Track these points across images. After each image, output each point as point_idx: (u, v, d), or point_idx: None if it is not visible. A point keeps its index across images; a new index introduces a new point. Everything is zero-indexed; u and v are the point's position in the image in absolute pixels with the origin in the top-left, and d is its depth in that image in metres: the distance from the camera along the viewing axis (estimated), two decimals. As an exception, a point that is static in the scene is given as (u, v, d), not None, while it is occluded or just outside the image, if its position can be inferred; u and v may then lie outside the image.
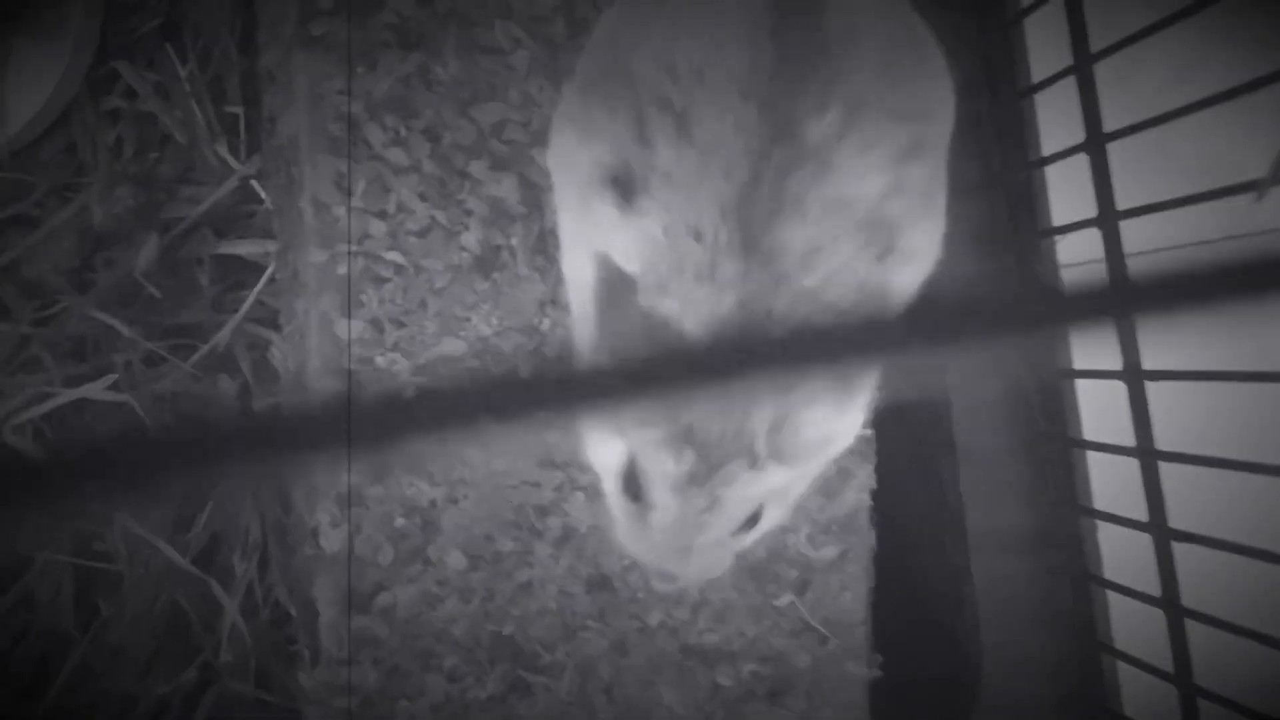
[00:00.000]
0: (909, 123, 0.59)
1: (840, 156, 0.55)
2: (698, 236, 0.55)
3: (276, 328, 0.84)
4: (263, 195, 0.89)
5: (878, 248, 0.58)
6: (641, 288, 0.56)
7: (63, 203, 0.91)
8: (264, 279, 0.88)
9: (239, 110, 0.91)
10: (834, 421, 0.56)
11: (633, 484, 0.58)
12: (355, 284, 0.70)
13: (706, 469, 0.55)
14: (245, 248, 0.91)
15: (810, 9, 0.57)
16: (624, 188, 0.57)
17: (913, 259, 0.61)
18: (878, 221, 0.57)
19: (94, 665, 0.83)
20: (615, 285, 0.57)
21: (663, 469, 0.55)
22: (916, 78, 0.62)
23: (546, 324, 0.75)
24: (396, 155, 0.71)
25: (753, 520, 0.57)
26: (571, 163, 0.62)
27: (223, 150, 0.91)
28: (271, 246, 0.88)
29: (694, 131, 0.55)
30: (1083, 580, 0.85)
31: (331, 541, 0.71)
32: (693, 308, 0.55)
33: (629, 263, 0.57)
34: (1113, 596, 0.84)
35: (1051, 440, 0.85)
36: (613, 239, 0.58)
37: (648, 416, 0.54)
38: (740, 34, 0.56)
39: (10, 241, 0.89)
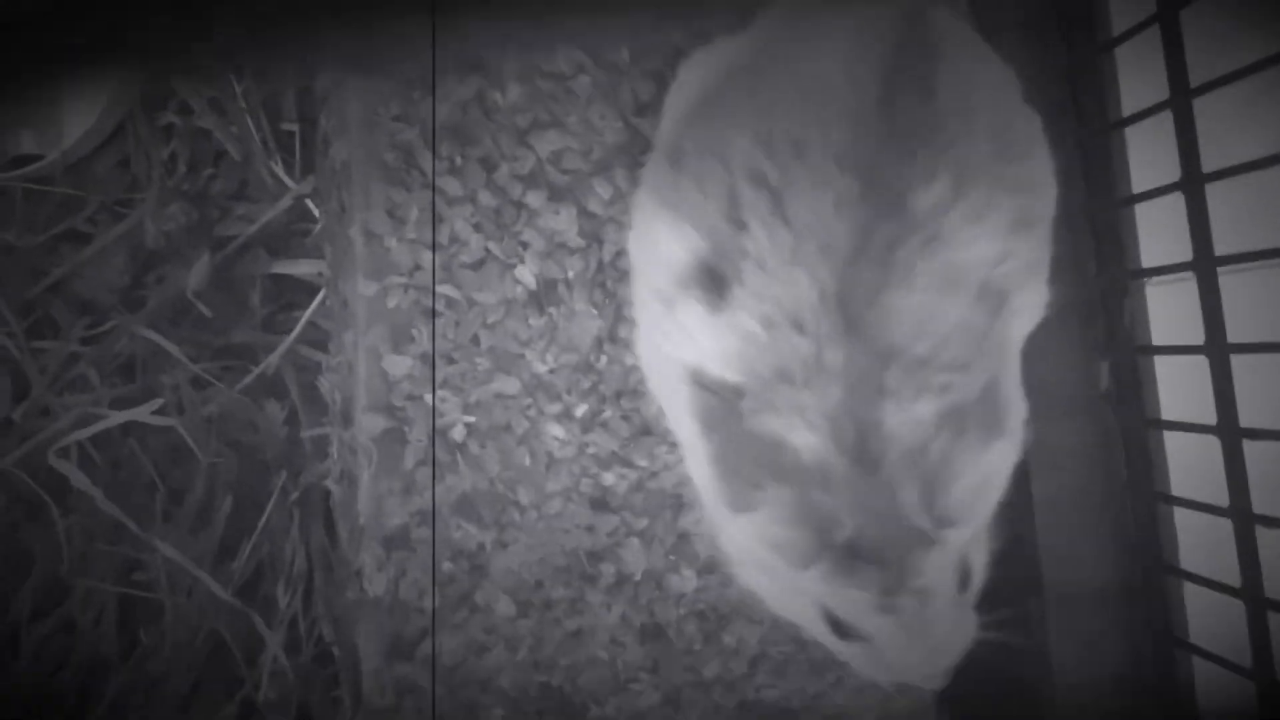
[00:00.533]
0: (1017, 195, 0.56)
1: (949, 226, 0.53)
2: (799, 327, 0.52)
3: (326, 351, 0.82)
4: (316, 213, 0.87)
5: (988, 308, 0.55)
6: (747, 399, 0.53)
7: (115, 219, 0.89)
8: (316, 301, 0.86)
9: (294, 128, 0.89)
10: (980, 464, 0.51)
11: (839, 626, 0.54)
12: (406, 317, 0.67)
13: (892, 574, 0.51)
14: (299, 268, 0.89)
15: (923, 83, 0.54)
16: (715, 277, 0.54)
17: (1022, 313, 0.58)
18: (987, 286, 0.54)
19: (134, 695, 0.80)
20: (718, 402, 0.54)
21: (853, 599, 0.52)
22: (1024, 154, 0.59)
23: (604, 361, 0.72)
24: (451, 184, 0.68)
25: (965, 579, 0.53)
26: (657, 245, 0.58)
27: (277, 168, 0.89)
28: (324, 268, 0.86)
29: (789, 210, 0.52)
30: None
31: (375, 585, 0.68)
32: (800, 413, 0.51)
33: (727, 371, 0.54)
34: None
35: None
36: (704, 343, 0.55)
37: (803, 557, 0.51)
38: (845, 108, 0.53)
39: (62, 257, 0.88)
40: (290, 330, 0.87)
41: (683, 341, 0.56)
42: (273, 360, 0.84)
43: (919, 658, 0.53)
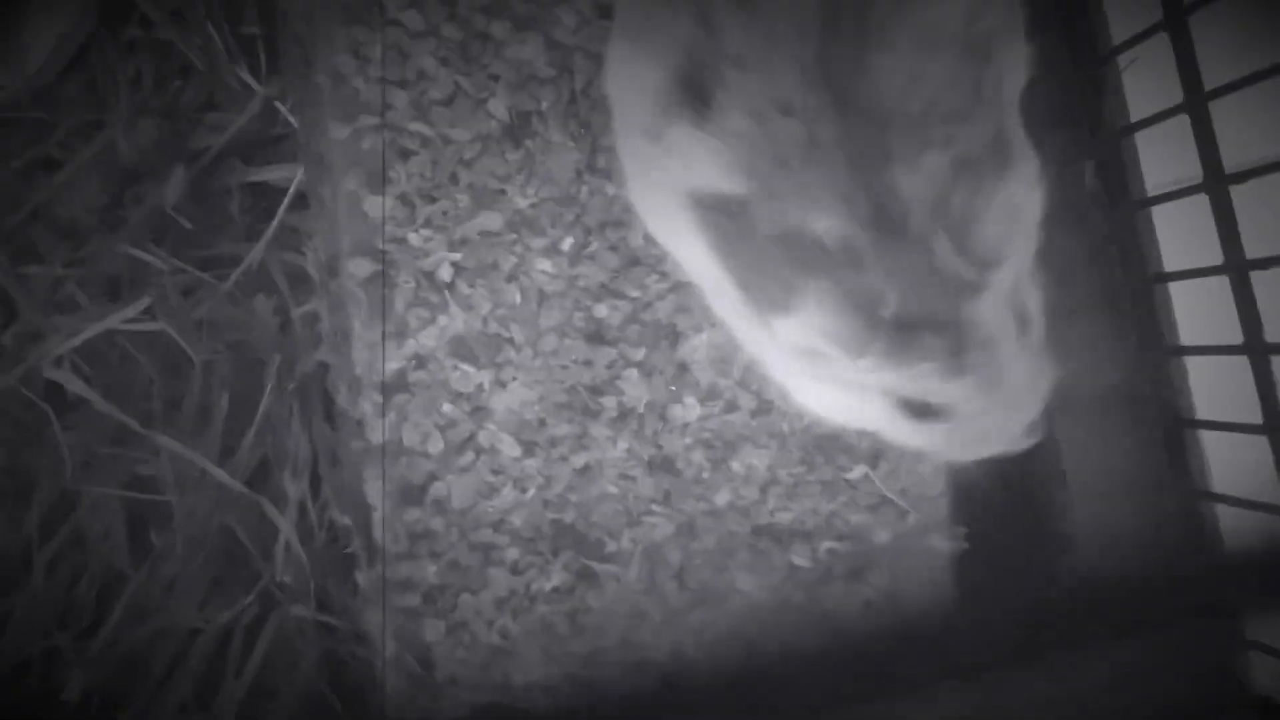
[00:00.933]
0: None
1: None
2: (786, 110, 0.51)
3: (309, 237, 0.82)
4: (291, 119, 0.87)
5: (974, 62, 0.54)
6: (753, 204, 0.52)
7: (86, 141, 0.88)
8: (289, 196, 0.85)
9: (257, 31, 0.89)
10: (1003, 198, 0.51)
11: (916, 408, 0.53)
12: (379, 158, 0.67)
13: (950, 334, 0.50)
14: (273, 173, 0.89)
15: None
16: (697, 88, 0.53)
17: (1011, 70, 0.57)
18: (970, 42, 0.53)
19: (151, 599, 0.80)
20: (724, 218, 0.53)
21: (921, 373, 0.51)
22: None
23: (585, 192, 0.71)
24: (413, 19, 0.68)
25: (1023, 322, 0.53)
26: (636, 77, 0.58)
27: (244, 73, 0.88)
28: (300, 173, 0.85)
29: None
30: (1177, 431, 0.80)
31: (378, 432, 0.68)
32: (810, 197, 0.51)
33: (727, 181, 0.53)
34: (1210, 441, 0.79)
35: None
36: (698, 160, 0.54)
37: (857, 346, 0.50)
38: None
39: (37, 184, 0.87)
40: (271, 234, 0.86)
41: (675, 167, 0.56)
42: (256, 254, 0.84)
43: (1002, 417, 0.52)
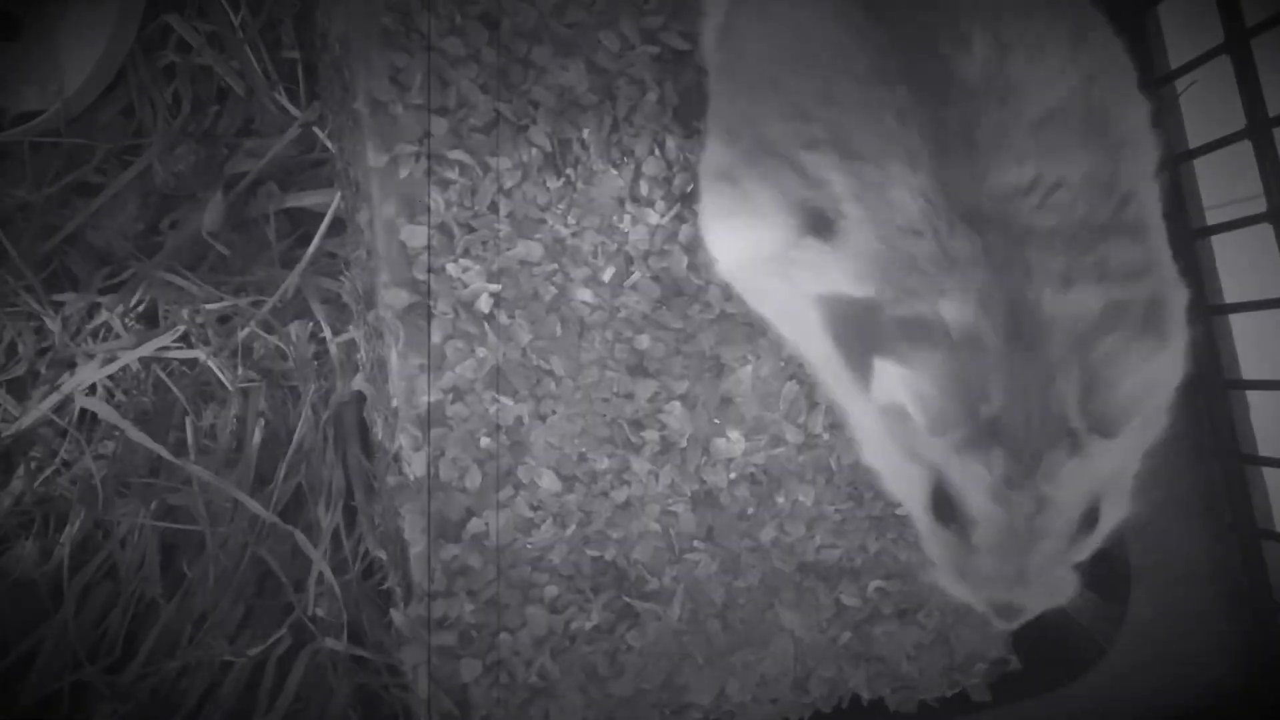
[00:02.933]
0: (1057, 13, 0.53)
1: (1015, 71, 0.50)
2: (917, 233, 0.50)
3: (346, 265, 0.81)
4: (329, 145, 0.86)
5: (1105, 136, 0.52)
6: (882, 303, 0.51)
7: (123, 166, 0.88)
8: (326, 222, 0.84)
9: (296, 55, 0.88)
10: (1150, 361, 0.48)
11: (944, 506, 0.50)
12: (419, 187, 0.65)
13: (1023, 467, 0.47)
14: (311, 199, 0.88)
15: None
16: (818, 219, 0.53)
17: (1132, 141, 0.55)
18: (1097, 113, 0.52)
19: (182, 631, 0.79)
20: (853, 313, 0.52)
21: (974, 477, 0.48)
22: None
23: (627, 221, 0.70)
24: (453, 45, 0.67)
25: (1090, 519, 0.49)
26: (752, 248, 0.58)
27: (282, 98, 0.88)
28: (337, 198, 0.84)
29: (856, 147, 0.51)
30: (1235, 463, 0.77)
31: (415, 466, 0.66)
32: (942, 293, 0.49)
33: (859, 288, 0.52)
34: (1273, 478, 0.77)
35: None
36: (830, 274, 0.53)
37: (943, 422, 0.48)
38: (840, 40, 0.52)
39: (74, 209, 0.87)
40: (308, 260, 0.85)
41: (803, 278, 0.55)
42: (291, 281, 0.83)
43: (1007, 575, 0.49)
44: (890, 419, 0.51)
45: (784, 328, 0.64)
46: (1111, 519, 0.51)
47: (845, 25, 0.52)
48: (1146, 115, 0.57)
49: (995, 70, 0.50)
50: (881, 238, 0.50)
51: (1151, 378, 0.48)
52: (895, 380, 0.48)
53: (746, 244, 0.57)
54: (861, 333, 0.52)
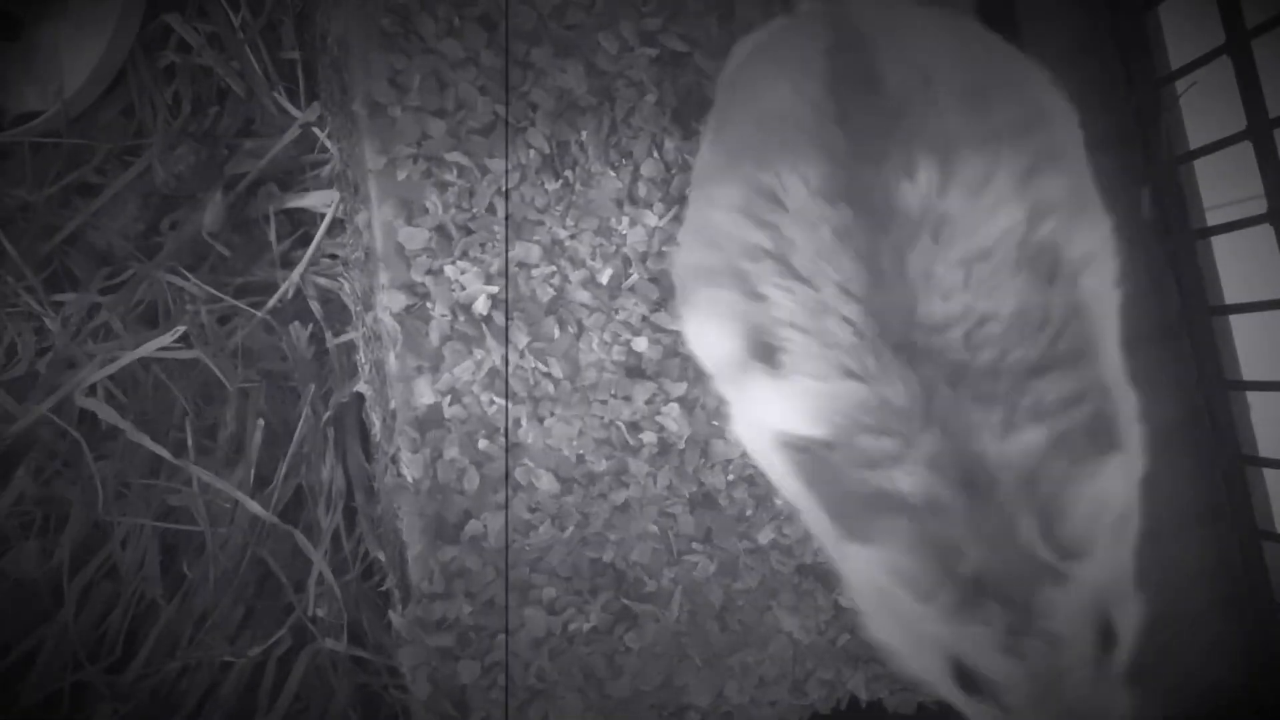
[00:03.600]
0: (1023, 139, 0.52)
1: (952, 210, 0.50)
2: (850, 374, 0.50)
3: (346, 266, 0.81)
4: (329, 145, 0.86)
5: (1043, 273, 0.51)
6: (838, 447, 0.51)
7: (123, 166, 0.88)
8: (325, 222, 0.84)
9: (296, 56, 0.88)
10: (1098, 477, 0.47)
11: (967, 678, 0.49)
12: (417, 189, 0.65)
13: (1019, 612, 0.46)
14: (310, 200, 0.88)
15: (868, 76, 0.52)
16: (764, 349, 0.53)
17: (1090, 263, 0.54)
18: (1035, 250, 0.51)
19: (183, 631, 0.79)
20: (810, 458, 0.52)
21: (978, 638, 0.47)
22: (1013, 96, 0.55)
23: (625, 223, 0.70)
24: (451, 48, 0.67)
25: (1108, 637, 0.48)
26: (712, 342, 0.58)
27: (282, 99, 0.87)
28: (337, 199, 0.84)
29: (797, 265, 0.51)
30: (1235, 465, 0.77)
31: (413, 468, 0.66)
32: (892, 461, 0.49)
33: (811, 427, 0.52)
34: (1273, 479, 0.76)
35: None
36: (778, 407, 0.53)
37: (926, 589, 0.48)
38: (805, 136, 0.51)
39: (75, 209, 0.87)
40: (308, 261, 0.85)
41: (759, 411, 0.55)
42: (292, 280, 0.83)
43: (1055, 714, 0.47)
44: (878, 595, 0.51)
45: (759, 459, 0.64)
46: (1129, 624, 0.50)
47: (815, 120, 0.51)
48: (1108, 232, 0.56)
49: (934, 202, 0.49)
50: (821, 375, 0.50)
51: (1102, 493, 0.47)
52: (868, 563, 0.48)
53: (714, 349, 0.58)
54: (826, 478, 0.52)
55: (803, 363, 0.51)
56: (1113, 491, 0.48)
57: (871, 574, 0.49)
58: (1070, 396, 0.49)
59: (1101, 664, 0.48)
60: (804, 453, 0.52)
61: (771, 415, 0.54)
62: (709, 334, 0.57)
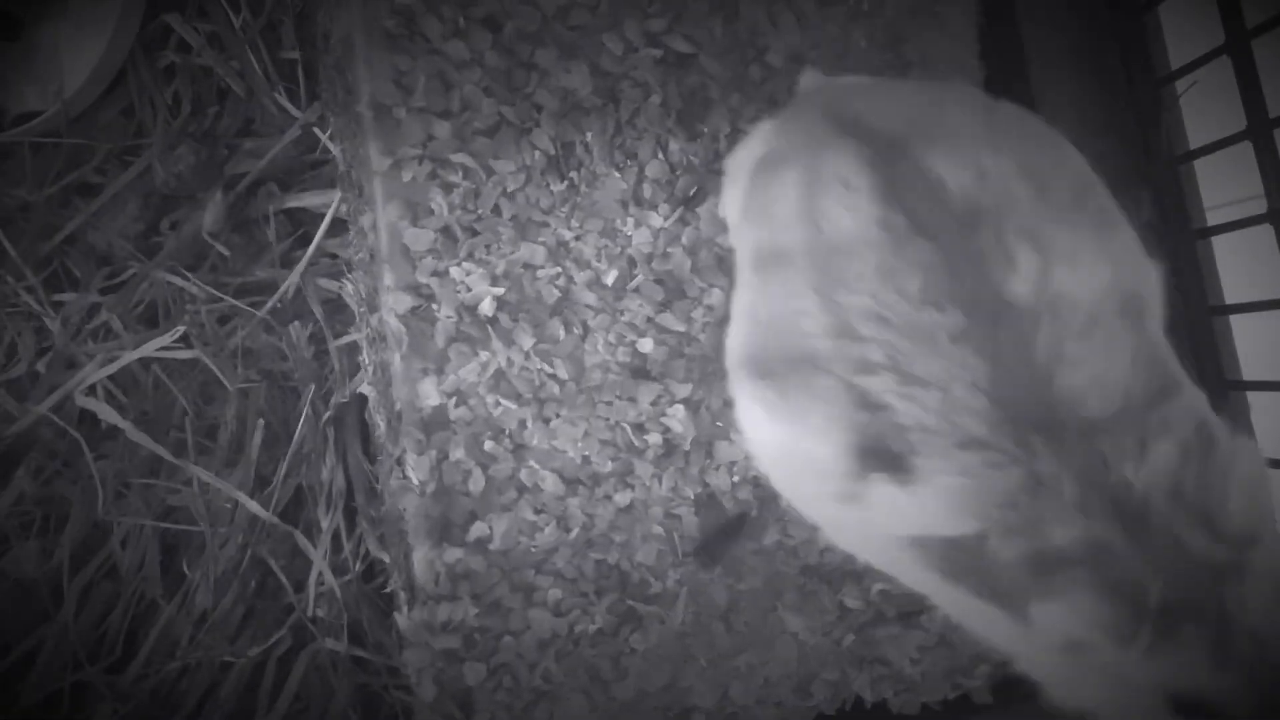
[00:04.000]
0: (1083, 202, 0.54)
1: (1062, 285, 0.51)
2: (992, 462, 0.49)
3: (348, 267, 0.80)
4: (330, 146, 0.86)
5: (1133, 316, 0.52)
6: (990, 536, 0.50)
7: (123, 166, 0.88)
8: (326, 222, 0.84)
9: (296, 56, 0.87)
10: (1239, 462, 0.49)
11: (1190, 708, 0.48)
12: (422, 190, 0.65)
13: (1216, 623, 0.46)
14: (311, 200, 0.88)
15: (929, 184, 0.52)
16: (886, 456, 0.51)
17: (1151, 303, 0.55)
18: (1125, 298, 0.52)
19: (183, 632, 0.79)
20: (959, 553, 0.52)
21: (1184, 662, 0.47)
22: (1054, 164, 0.56)
23: (630, 224, 0.70)
24: (456, 48, 0.66)
25: None
26: (800, 460, 0.56)
27: (282, 99, 0.87)
28: (338, 198, 0.84)
29: (917, 372, 0.50)
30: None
31: (419, 470, 0.66)
32: (1043, 518, 0.49)
33: (955, 525, 0.51)
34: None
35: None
36: (913, 514, 0.52)
37: (1124, 633, 0.47)
38: (886, 255, 0.51)
39: (74, 209, 0.86)
40: (307, 260, 0.85)
41: (881, 520, 0.54)
42: (293, 280, 0.82)
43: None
44: (1073, 653, 0.49)
45: (871, 558, 0.63)
46: None
47: (890, 239, 0.52)
48: (1160, 277, 0.57)
49: (1044, 284, 0.50)
50: (962, 470, 0.49)
51: (1248, 472, 0.48)
52: (1056, 617, 0.48)
53: (797, 458, 0.56)
54: (978, 567, 0.51)
55: (937, 460, 0.50)
56: (1258, 468, 0.49)
57: (1064, 631, 0.48)
58: (1181, 409, 0.50)
59: None
60: (950, 550, 0.52)
61: (902, 523, 0.53)
62: (798, 436, 0.55)
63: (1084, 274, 0.51)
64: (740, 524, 0.68)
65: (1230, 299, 0.78)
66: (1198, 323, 0.79)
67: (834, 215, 0.53)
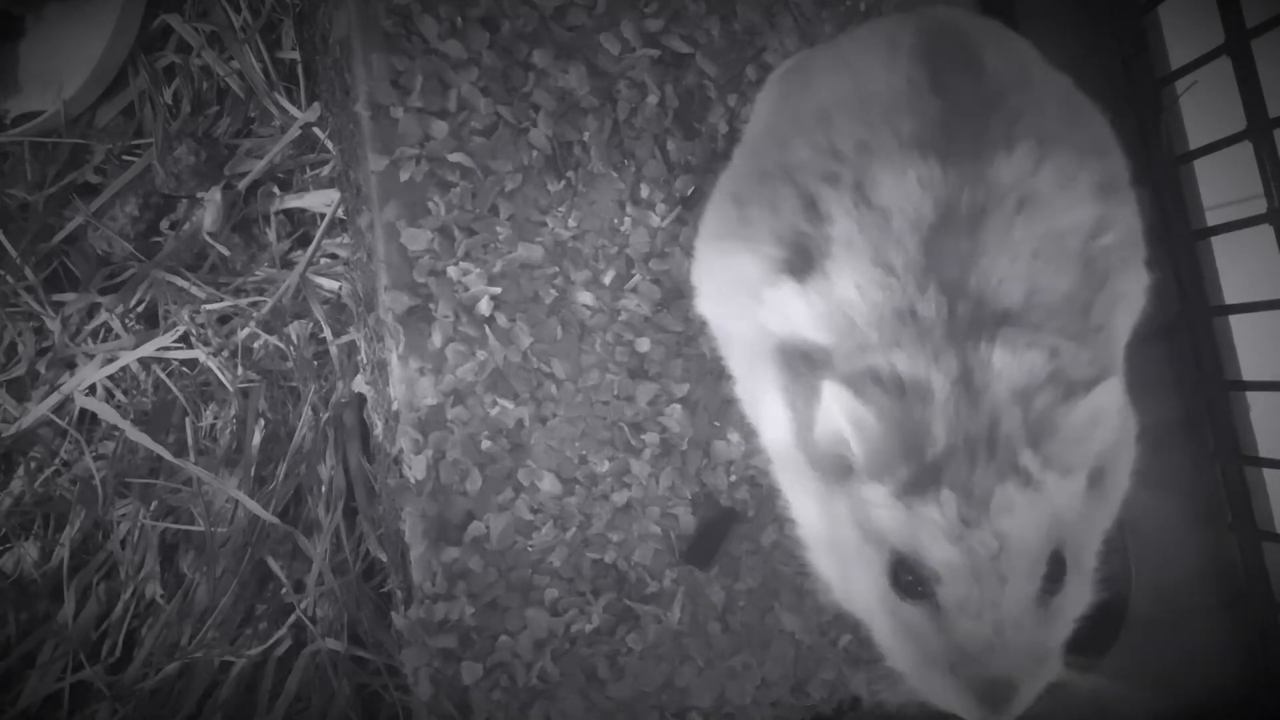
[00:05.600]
0: (1099, 159, 0.55)
1: (1041, 189, 0.51)
2: (887, 286, 0.50)
3: (347, 267, 0.81)
4: (330, 146, 0.86)
5: (1094, 279, 0.53)
6: (837, 355, 0.51)
7: (123, 166, 0.88)
8: (325, 222, 0.84)
9: (296, 56, 0.88)
10: (1095, 399, 0.46)
11: (903, 573, 0.47)
12: (420, 191, 0.65)
13: (975, 504, 0.45)
14: (311, 200, 0.88)
15: (969, 59, 0.54)
16: (801, 259, 0.53)
17: (1123, 300, 0.55)
18: (1090, 259, 0.52)
19: (182, 631, 0.79)
20: (805, 365, 0.52)
21: (927, 523, 0.46)
22: (1094, 119, 0.58)
23: (628, 223, 0.70)
24: (454, 48, 0.66)
25: (1057, 569, 0.47)
26: (732, 272, 0.57)
27: (282, 99, 0.87)
28: (337, 199, 0.84)
29: (873, 196, 0.52)
30: (1235, 465, 0.77)
31: (416, 469, 0.66)
32: (901, 350, 0.49)
33: (820, 333, 0.52)
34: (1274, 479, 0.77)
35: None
36: (793, 316, 0.53)
37: (885, 462, 0.47)
38: (899, 100, 0.53)
39: (74, 209, 0.87)
40: (308, 260, 0.85)
41: (773, 320, 0.55)
42: (292, 280, 0.83)
43: (983, 636, 0.45)
44: (830, 465, 0.50)
45: (742, 386, 0.64)
46: (1082, 575, 0.49)
47: (910, 91, 0.53)
48: (1146, 285, 0.58)
49: (1025, 179, 0.51)
50: (856, 285, 0.51)
51: (1092, 419, 0.46)
52: (841, 406, 0.47)
53: (727, 272, 0.58)
54: (807, 388, 0.52)
55: (844, 273, 0.51)
56: (1108, 410, 0.47)
57: (837, 422, 0.48)
58: (1086, 365, 0.50)
59: (1044, 594, 0.46)
60: (797, 361, 0.53)
61: (780, 323, 0.54)
62: (737, 250, 0.57)
63: (1069, 200, 0.52)
64: (728, 523, 0.68)
65: (1230, 299, 0.78)
66: (1198, 323, 0.79)
67: (871, 67, 0.56)
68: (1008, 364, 0.48)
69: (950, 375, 0.48)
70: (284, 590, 0.79)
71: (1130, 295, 0.56)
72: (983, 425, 0.46)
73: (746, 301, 0.56)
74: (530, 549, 0.68)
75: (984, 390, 0.47)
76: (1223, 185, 0.81)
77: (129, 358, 0.80)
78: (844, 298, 0.51)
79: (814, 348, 0.52)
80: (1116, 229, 0.53)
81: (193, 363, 0.83)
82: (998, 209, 0.50)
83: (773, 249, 0.54)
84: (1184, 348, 0.79)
